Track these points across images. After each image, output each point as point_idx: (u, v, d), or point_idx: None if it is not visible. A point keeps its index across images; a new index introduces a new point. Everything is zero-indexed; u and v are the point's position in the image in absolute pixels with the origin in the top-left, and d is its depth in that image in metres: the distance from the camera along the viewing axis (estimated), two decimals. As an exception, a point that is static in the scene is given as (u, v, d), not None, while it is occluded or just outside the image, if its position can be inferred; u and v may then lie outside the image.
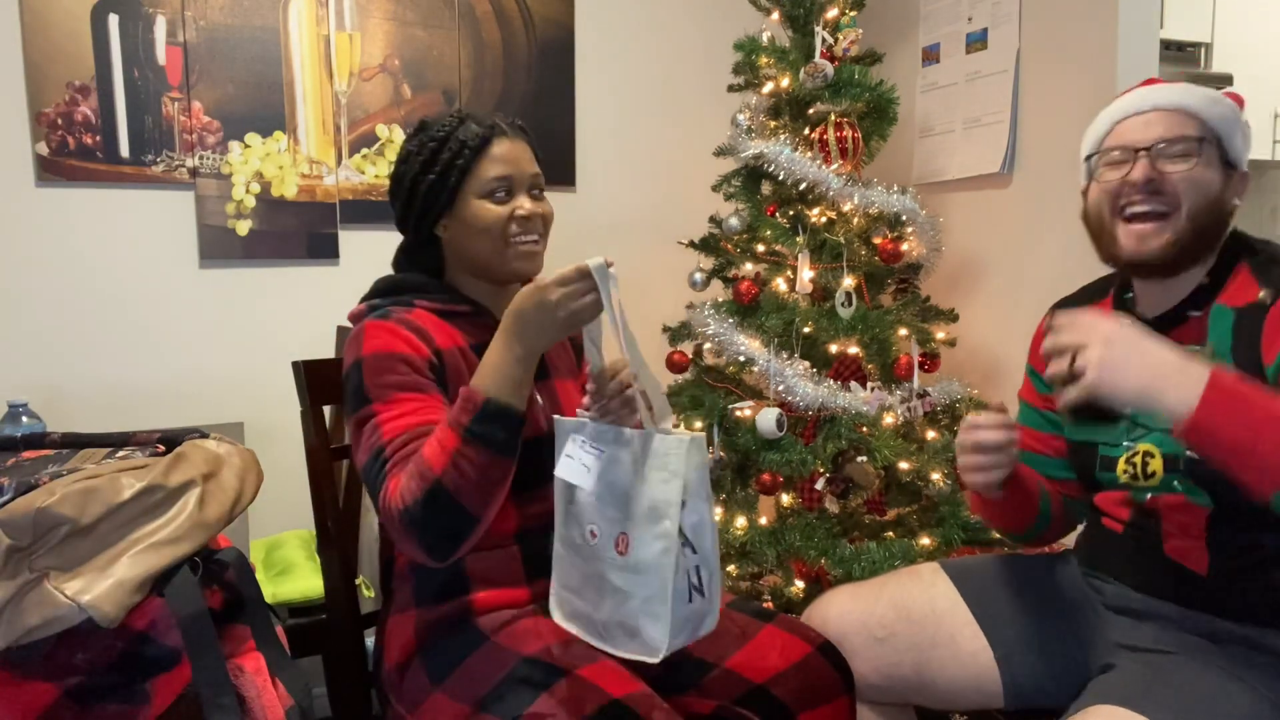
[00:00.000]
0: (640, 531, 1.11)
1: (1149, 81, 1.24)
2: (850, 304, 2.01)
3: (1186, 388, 0.95)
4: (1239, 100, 1.21)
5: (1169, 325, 1.18)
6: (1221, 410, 0.94)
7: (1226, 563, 1.12)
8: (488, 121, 1.25)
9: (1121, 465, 1.21)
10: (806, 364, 1.96)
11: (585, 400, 1.18)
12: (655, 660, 1.10)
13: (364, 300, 1.30)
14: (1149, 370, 0.97)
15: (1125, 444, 1.21)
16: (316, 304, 2.32)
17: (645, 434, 1.12)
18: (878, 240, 2.05)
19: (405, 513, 1.07)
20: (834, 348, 2.02)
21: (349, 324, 1.29)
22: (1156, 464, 1.17)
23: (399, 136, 2.37)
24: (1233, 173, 1.18)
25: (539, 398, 1.29)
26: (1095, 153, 1.23)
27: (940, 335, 2.12)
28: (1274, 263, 1.15)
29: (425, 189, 1.24)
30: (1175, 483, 1.15)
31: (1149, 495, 1.19)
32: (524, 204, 1.24)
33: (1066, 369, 1.01)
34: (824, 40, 2.06)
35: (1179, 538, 1.16)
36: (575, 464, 1.14)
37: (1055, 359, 1.04)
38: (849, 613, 1.36)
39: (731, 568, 2.02)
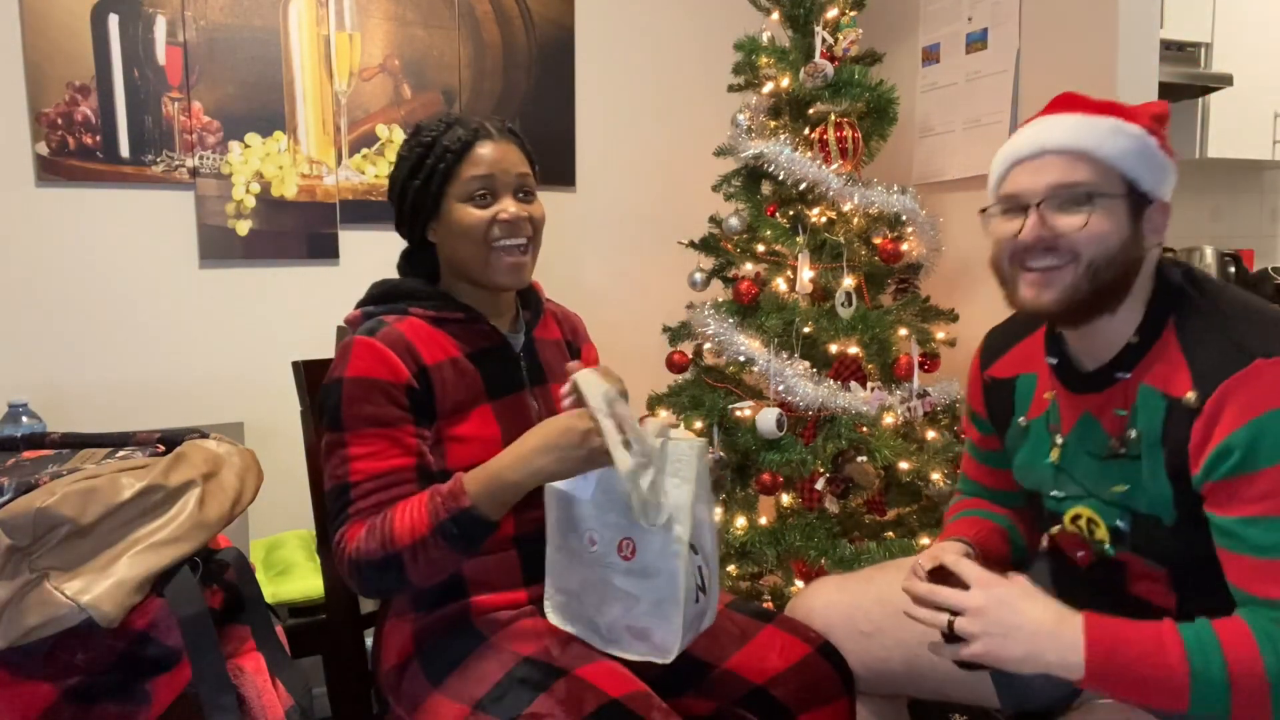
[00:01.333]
0: (649, 536, 1.11)
1: (1053, 105, 1.12)
2: (850, 304, 2.01)
3: (1066, 650, 0.99)
4: (1161, 111, 1.09)
5: (1099, 386, 1.11)
6: (1106, 669, 0.97)
7: (1193, 603, 1.06)
8: (472, 124, 1.24)
9: (1067, 522, 1.17)
10: (806, 364, 1.96)
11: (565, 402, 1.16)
12: (667, 661, 1.10)
13: (360, 305, 1.30)
14: (1026, 639, 1.00)
15: (1069, 499, 1.16)
16: (316, 304, 2.32)
17: (653, 440, 1.12)
18: (878, 240, 2.05)
19: (355, 564, 1.13)
20: (834, 348, 2.02)
21: (348, 326, 1.29)
22: (1100, 532, 1.13)
23: (399, 136, 2.37)
24: (1146, 209, 1.06)
25: (534, 402, 1.29)
26: (993, 204, 1.14)
27: (940, 335, 2.11)
28: (1203, 334, 1.04)
29: (412, 194, 1.25)
30: (1125, 548, 1.12)
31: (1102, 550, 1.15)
32: (508, 206, 1.23)
33: (946, 627, 1.06)
34: (824, 40, 2.06)
35: (1144, 581, 1.13)
36: None
37: (930, 610, 1.08)
38: (834, 604, 1.35)
39: (731, 568, 2.02)
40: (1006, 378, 1.27)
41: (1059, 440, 1.16)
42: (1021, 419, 1.23)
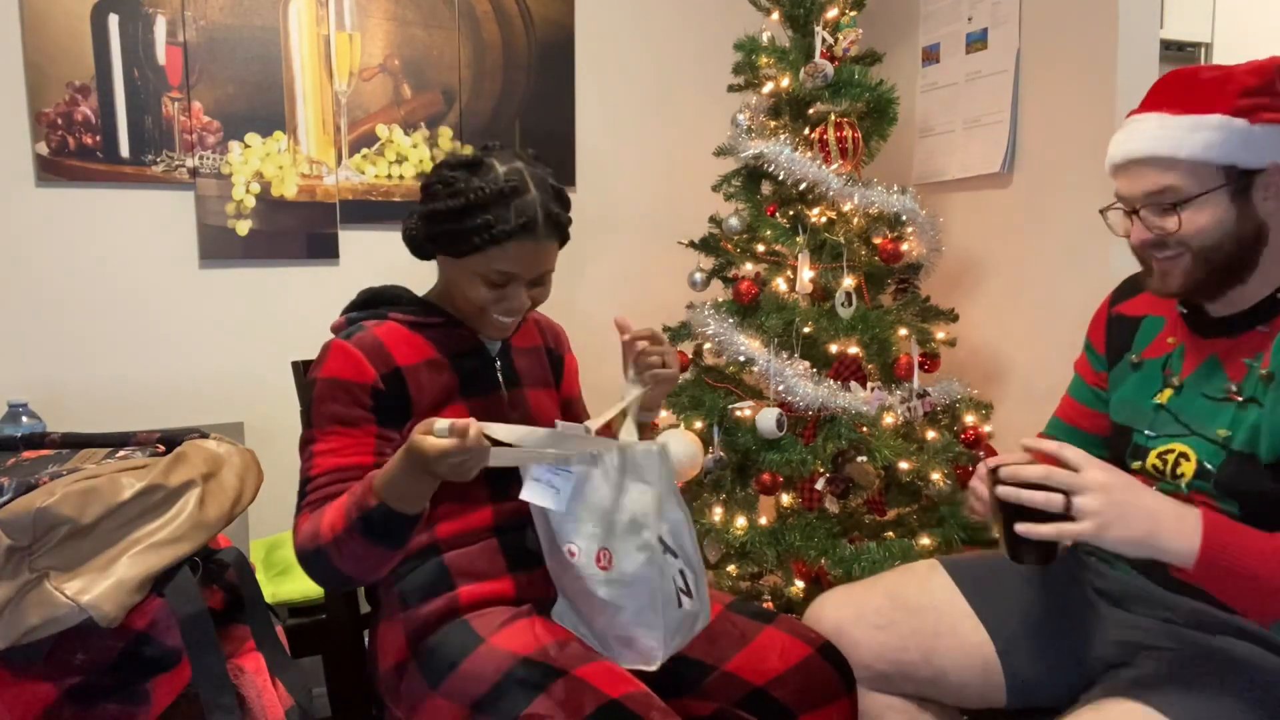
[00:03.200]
0: (622, 545, 1.14)
1: (1150, 95, 1.16)
2: (850, 304, 2.01)
3: (1185, 537, 0.99)
4: (1252, 84, 1.09)
5: (1231, 331, 1.15)
6: (1219, 558, 0.98)
7: None
8: (530, 212, 1.18)
9: (1153, 458, 1.19)
10: (806, 364, 1.96)
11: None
12: (653, 668, 1.11)
13: (344, 312, 1.34)
14: (1146, 520, 0.99)
15: (1164, 437, 1.19)
16: (316, 304, 2.32)
17: (613, 448, 1.15)
18: (878, 240, 2.05)
19: (300, 554, 1.17)
20: (834, 348, 2.02)
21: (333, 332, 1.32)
22: (1188, 467, 1.15)
23: (399, 136, 2.37)
24: (1255, 180, 1.09)
25: (509, 405, 1.32)
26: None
27: (940, 335, 2.11)
28: None
29: (439, 230, 1.22)
30: (1202, 489, 1.13)
31: (1169, 491, 1.17)
32: (518, 294, 1.23)
33: (1062, 507, 1.01)
34: (824, 40, 2.06)
35: None
36: (542, 486, 1.15)
37: (1037, 491, 1.02)
38: (844, 605, 1.36)
39: (731, 568, 2.02)
40: (1134, 315, 1.31)
41: (1176, 382, 1.20)
42: (1134, 356, 1.27)
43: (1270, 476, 1.07)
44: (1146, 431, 1.21)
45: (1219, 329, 1.17)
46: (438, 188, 1.22)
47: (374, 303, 1.32)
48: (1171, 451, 1.17)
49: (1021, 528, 1.01)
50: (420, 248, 1.29)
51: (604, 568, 1.15)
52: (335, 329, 1.31)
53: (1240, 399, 1.11)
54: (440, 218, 1.21)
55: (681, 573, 1.15)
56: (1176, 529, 0.99)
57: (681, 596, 1.15)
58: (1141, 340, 1.28)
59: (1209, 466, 1.13)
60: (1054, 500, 1.01)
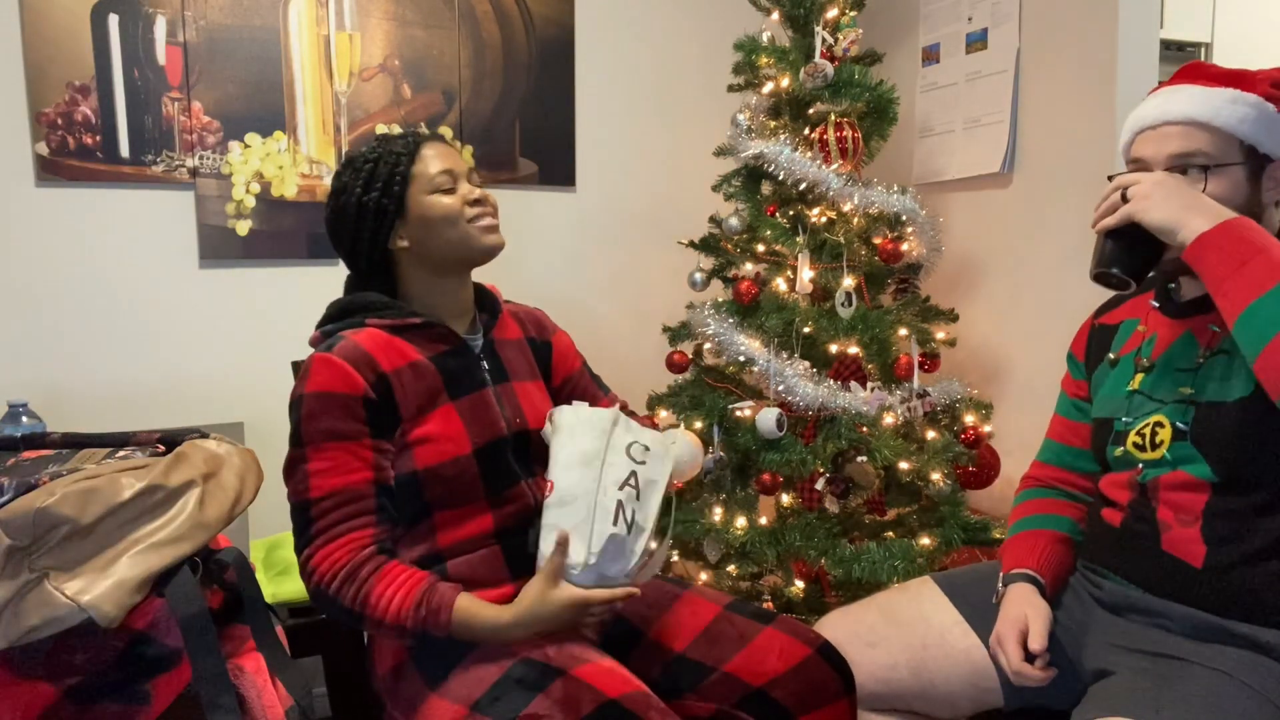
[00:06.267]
0: (564, 473, 1.21)
1: (1178, 75, 1.20)
2: (850, 304, 2.01)
3: (1207, 220, 1.05)
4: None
5: (1207, 309, 1.18)
6: (1224, 239, 1.04)
7: (1220, 555, 1.12)
8: (408, 133, 1.32)
9: (1132, 436, 1.22)
10: (806, 364, 1.96)
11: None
12: (571, 580, 1.17)
13: (319, 326, 1.32)
14: (1184, 204, 1.06)
15: (1140, 416, 1.22)
16: (316, 304, 2.29)
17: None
18: (878, 240, 2.05)
19: (320, 593, 1.16)
20: (834, 348, 2.03)
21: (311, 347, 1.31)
22: (1165, 434, 1.17)
23: (399, 136, 2.37)
24: (1267, 167, 1.15)
25: (497, 400, 1.31)
26: (1124, 170, 1.23)
27: (940, 335, 2.12)
28: None
29: (373, 205, 1.27)
30: (1180, 453, 1.16)
31: (1151, 475, 1.19)
32: (471, 190, 1.30)
33: (1121, 198, 1.11)
34: (824, 40, 2.06)
35: (1175, 528, 1.16)
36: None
37: (1105, 204, 1.13)
38: (838, 624, 1.38)
39: (731, 568, 2.02)
40: (1113, 323, 1.35)
41: (1146, 364, 1.24)
42: (1113, 354, 1.31)
43: (1236, 413, 1.09)
44: (1124, 418, 1.24)
45: (1191, 309, 1.21)
46: (340, 200, 1.30)
47: (348, 311, 1.31)
48: (1148, 424, 1.20)
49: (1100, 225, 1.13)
50: (374, 242, 1.29)
51: (545, 495, 1.22)
52: (313, 343, 1.29)
53: (1210, 354, 1.15)
54: (363, 199, 1.28)
55: (633, 513, 1.19)
56: (1203, 213, 1.06)
57: (619, 516, 1.18)
58: (1119, 341, 1.32)
59: (1181, 426, 1.16)
60: (1115, 200, 1.13)
